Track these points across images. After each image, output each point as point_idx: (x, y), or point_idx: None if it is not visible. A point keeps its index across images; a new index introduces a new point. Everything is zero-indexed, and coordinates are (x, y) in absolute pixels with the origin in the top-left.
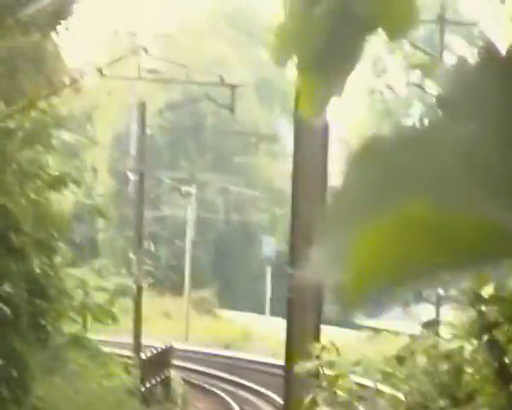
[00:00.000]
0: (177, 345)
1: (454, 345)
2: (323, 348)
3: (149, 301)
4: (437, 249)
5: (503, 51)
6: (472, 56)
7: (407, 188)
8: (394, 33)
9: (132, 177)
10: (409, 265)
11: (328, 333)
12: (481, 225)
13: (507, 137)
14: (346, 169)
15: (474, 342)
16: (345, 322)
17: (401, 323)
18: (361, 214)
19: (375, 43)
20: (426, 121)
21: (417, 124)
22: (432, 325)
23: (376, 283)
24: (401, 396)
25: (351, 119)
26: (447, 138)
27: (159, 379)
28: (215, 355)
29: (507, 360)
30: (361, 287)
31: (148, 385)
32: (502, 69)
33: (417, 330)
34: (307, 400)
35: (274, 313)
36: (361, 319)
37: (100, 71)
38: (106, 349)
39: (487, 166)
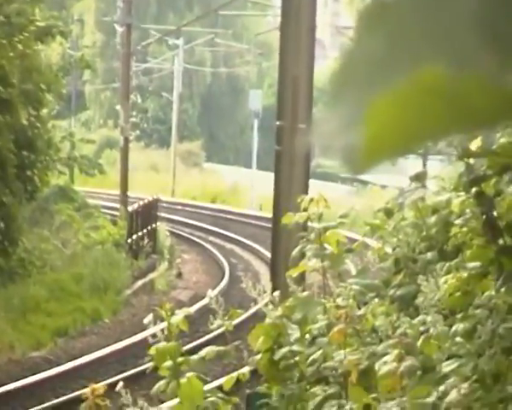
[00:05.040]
0: (164, 198)
1: (442, 198)
2: (311, 200)
3: (136, 154)
4: (448, 114)
5: None
6: None
7: (418, 52)
8: None
9: (119, 29)
10: (421, 129)
11: (316, 186)
12: (493, 88)
13: None
14: (355, 31)
15: (463, 194)
16: (331, 175)
17: (388, 176)
18: (372, 80)
19: None
20: None
21: None
22: (420, 178)
23: (390, 146)
24: (389, 249)
25: None
26: None
27: (145, 231)
28: (202, 208)
29: (495, 214)
30: (375, 151)
31: (134, 237)
32: None
33: (404, 183)
34: (295, 252)
35: (260, 166)
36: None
37: None
38: (93, 201)
39: (499, 27)
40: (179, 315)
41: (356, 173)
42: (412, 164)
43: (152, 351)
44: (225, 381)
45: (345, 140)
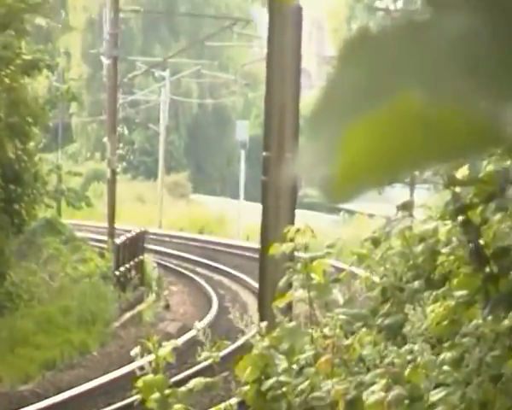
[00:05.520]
0: (151, 229)
1: (429, 226)
2: (298, 230)
3: (123, 186)
4: (427, 143)
5: None
6: None
7: (397, 82)
8: None
9: (106, 61)
10: (399, 158)
11: (303, 216)
12: (471, 119)
13: (500, 29)
14: (337, 61)
15: (449, 223)
16: (318, 205)
17: (375, 205)
18: (351, 109)
19: None
20: (414, 14)
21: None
22: (407, 207)
23: (366, 176)
24: (376, 278)
25: (324, 1)
26: (437, 31)
27: (133, 263)
28: (189, 239)
29: (482, 242)
30: (351, 180)
31: (122, 269)
32: None
33: (392, 212)
34: (282, 282)
35: (248, 197)
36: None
37: None
38: (80, 234)
39: (478, 60)
40: (166, 347)
41: (333, 203)
42: (399, 192)
43: (139, 383)
44: None
45: (323, 170)
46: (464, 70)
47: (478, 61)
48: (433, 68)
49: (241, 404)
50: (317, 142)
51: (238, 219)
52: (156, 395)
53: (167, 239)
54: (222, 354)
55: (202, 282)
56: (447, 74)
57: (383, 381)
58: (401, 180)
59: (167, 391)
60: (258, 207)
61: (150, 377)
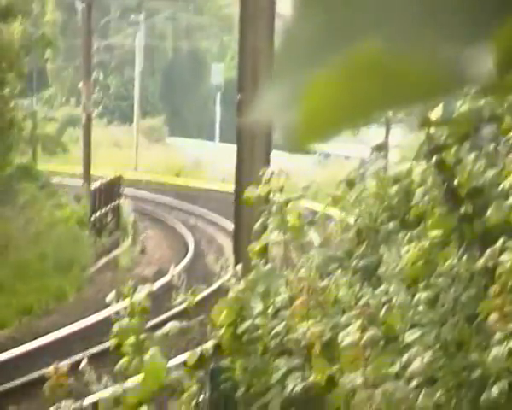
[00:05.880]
0: (127, 174)
1: (403, 167)
2: (273, 173)
3: (99, 131)
4: (387, 90)
5: None
6: None
7: (357, 30)
8: None
9: (80, 6)
10: (359, 105)
11: (278, 158)
12: (432, 65)
13: None
14: (295, 8)
15: (424, 163)
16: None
17: (350, 146)
18: (313, 55)
19: None
20: None
21: None
22: (381, 148)
23: (328, 123)
24: (351, 220)
25: None
26: None
27: (108, 208)
28: (165, 183)
29: (456, 182)
30: (313, 126)
31: (97, 214)
32: None
33: (367, 153)
34: (257, 225)
35: (223, 139)
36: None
37: None
38: (56, 179)
39: (437, 6)
40: (142, 292)
41: (295, 147)
42: (375, 133)
43: (115, 328)
44: (188, 356)
45: (285, 117)
46: (424, 17)
47: (437, 8)
48: (392, 16)
49: (217, 347)
50: (280, 88)
51: (214, 162)
52: (131, 339)
53: (143, 183)
54: (199, 297)
55: (179, 226)
56: (406, 21)
57: (358, 322)
58: (363, 126)
59: (143, 336)
60: (234, 148)
61: (126, 321)
